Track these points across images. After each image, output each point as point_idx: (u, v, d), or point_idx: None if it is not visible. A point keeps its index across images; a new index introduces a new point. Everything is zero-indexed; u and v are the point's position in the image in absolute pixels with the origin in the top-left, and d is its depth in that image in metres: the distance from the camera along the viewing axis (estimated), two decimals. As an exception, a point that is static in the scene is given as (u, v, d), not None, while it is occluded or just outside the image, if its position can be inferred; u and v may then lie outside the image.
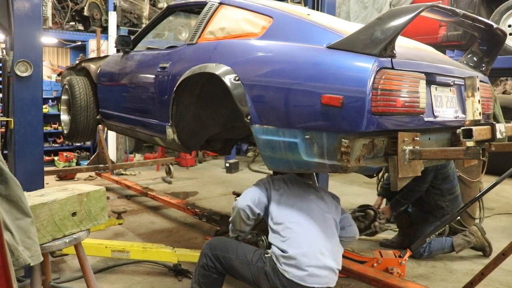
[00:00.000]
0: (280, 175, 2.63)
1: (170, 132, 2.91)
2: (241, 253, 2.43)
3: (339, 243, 2.43)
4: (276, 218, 2.39)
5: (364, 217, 3.35)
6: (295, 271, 2.22)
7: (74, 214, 2.19)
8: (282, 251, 2.26)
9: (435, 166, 3.54)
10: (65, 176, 6.86)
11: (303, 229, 2.32)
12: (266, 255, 2.37)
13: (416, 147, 2.01)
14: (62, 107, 4.34)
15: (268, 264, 2.31)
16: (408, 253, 3.21)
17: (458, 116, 2.42)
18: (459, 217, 4.12)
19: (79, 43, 8.23)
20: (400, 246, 3.75)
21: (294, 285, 2.21)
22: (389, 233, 4.19)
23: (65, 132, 4.24)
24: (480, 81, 2.24)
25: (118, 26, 7.74)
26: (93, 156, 6.65)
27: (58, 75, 6.81)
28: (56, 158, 7.90)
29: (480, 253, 3.87)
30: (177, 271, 3.34)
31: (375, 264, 3.08)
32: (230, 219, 2.58)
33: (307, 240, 2.28)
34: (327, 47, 2.10)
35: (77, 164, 7.72)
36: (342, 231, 2.55)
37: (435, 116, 2.26)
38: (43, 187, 3.25)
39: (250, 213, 2.42)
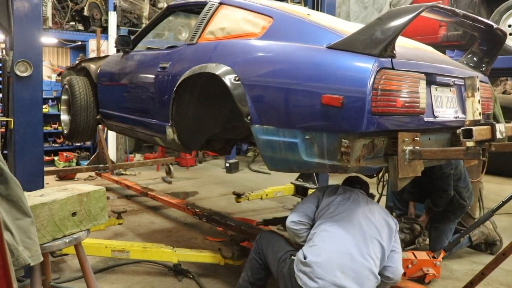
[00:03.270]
0: (340, 185, 2.55)
1: (170, 132, 2.91)
2: (276, 249, 2.44)
3: (374, 271, 2.19)
4: (315, 224, 2.34)
5: (410, 229, 3.30)
6: (306, 280, 2.15)
7: (74, 214, 2.19)
8: (304, 256, 2.21)
9: (451, 170, 3.52)
10: (65, 176, 6.86)
11: (332, 241, 2.20)
12: (292, 257, 2.32)
13: (416, 147, 2.01)
14: (62, 107, 4.34)
15: (288, 267, 2.29)
16: (442, 254, 3.21)
17: (458, 116, 2.42)
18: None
19: (79, 43, 8.23)
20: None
21: None
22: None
23: (65, 132, 4.24)
24: (480, 81, 2.24)
25: (118, 26, 7.73)
26: (93, 156, 6.64)
27: (58, 75, 6.81)
28: (56, 158, 7.90)
29: (481, 252, 3.87)
30: (177, 271, 3.34)
31: (410, 266, 3.03)
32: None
33: (329, 252, 2.16)
34: (327, 47, 2.10)
35: (77, 164, 7.71)
36: (382, 269, 2.32)
37: (435, 116, 2.26)
38: (43, 187, 3.25)
39: (296, 228, 2.40)
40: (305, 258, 2.19)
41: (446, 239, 3.64)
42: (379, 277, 2.23)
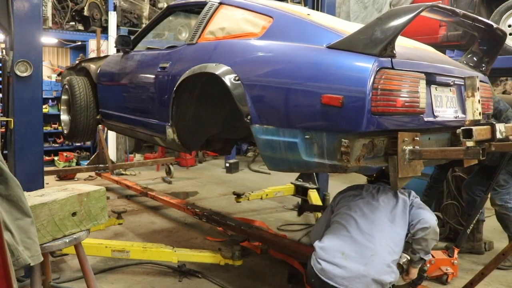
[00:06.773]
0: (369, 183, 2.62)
1: (170, 132, 2.91)
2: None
3: (379, 251, 2.22)
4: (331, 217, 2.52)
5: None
6: (315, 262, 2.28)
7: (74, 214, 2.19)
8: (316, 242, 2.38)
9: None
10: (65, 176, 6.86)
11: (336, 228, 2.35)
12: None
13: (416, 147, 2.01)
14: (62, 107, 4.34)
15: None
16: (456, 251, 3.20)
17: (458, 116, 2.42)
18: (459, 217, 4.13)
19: (79, 43, 8.23)
20: None
21: (314, 275, 2.26)
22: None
23: (65, 132, 4.24)
24: (480, 81, 2.24)
25: (118, 26, 7.74)
26: (93, 156, 6.65)
27: (58, 75, 6.81)
28: (56, 158, 7.90)
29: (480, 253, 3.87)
30: (182, 271, 3.33)
31: (428, 265, 2.95)
32: None
33: (331, 236, 2.32)
34: (327, 47, 2.10)
35: (77, 164, 7.72)
36: (413, 227, 2.37)
37: (435, 116, 2.26)
38: (43, 187, 3.25)
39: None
40: (314, 242, 2.37)
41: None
42: (388, 259, 2.23)
